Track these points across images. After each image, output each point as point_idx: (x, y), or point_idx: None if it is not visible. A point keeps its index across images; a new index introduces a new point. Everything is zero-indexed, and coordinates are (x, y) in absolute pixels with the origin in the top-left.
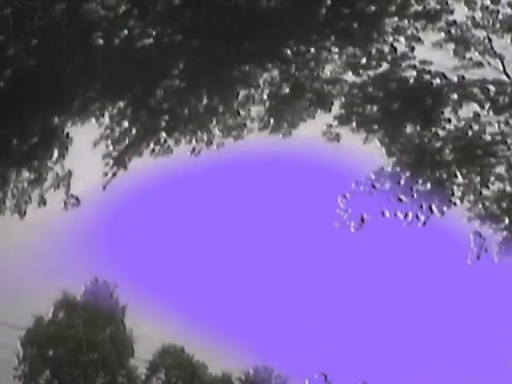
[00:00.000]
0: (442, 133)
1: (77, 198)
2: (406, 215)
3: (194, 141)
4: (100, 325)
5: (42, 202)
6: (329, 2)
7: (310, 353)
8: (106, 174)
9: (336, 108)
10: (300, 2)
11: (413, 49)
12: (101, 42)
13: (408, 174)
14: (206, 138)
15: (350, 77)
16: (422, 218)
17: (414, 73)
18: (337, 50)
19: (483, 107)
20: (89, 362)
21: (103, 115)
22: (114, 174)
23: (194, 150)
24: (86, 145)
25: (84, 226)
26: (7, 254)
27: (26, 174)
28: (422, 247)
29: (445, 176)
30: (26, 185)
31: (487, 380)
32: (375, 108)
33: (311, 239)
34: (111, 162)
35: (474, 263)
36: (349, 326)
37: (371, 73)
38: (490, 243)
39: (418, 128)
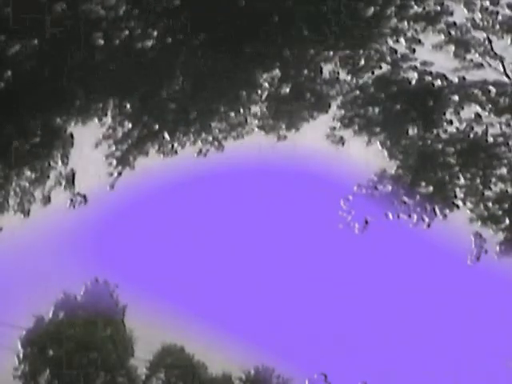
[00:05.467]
0: (443, 135)
1: (84, 196)
2: (409, 217)
3: (199, 142)
4: (100, 325)
5: (47, 201)
6: (329, 3)
7: (311, 353)
8: (111, 174)
9: (336, 109)
10: (300, 2)
11: (413, 50)
12: (101, 42)
13: (410, 176)
14: (210, 139)
15: (349, 78)
16: (426, 219)
17: (416, 74)
18: (336, 50)
19: (484, 108)
20: (89, 362)
21: (106, 115)
22: (120, 174)
23: (200, 151)
24: (88, 144)
25: (84, 226)
26: (8, 253)
27: (28, 173)
28: (425, 249)
29: (447, 178)
30: (28, 184)
31: (487, 380)
32: (377, 110)
33: (314, 240)
34: (115, 161)
35: (474, 264)
36: (350, 326)
37: (372, 74)
38: (490, 244)
39: (420, 130)
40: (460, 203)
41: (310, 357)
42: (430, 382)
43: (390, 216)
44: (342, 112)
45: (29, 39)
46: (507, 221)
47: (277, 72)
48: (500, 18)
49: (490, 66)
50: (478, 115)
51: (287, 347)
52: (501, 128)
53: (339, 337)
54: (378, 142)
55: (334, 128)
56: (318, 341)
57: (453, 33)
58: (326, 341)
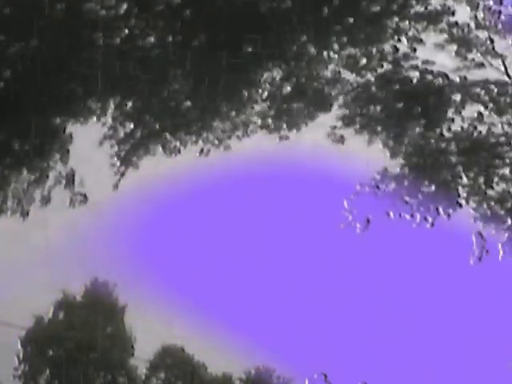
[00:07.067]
0: (446, 134)
1: (84, 196)
2: (412, 216)
3: (201, 141)
4: (100, 325)
5: (46, 201)
6: (329, 2)
7: (311, 353)
8: (113, 174)
9: (338, 109)
10: (301, 2)
11: (415, 50)
12: (101, 41)
13: (412, 175)
14: (212, 138)
15: (351, 77)
16: (430, 219)
17: (417, 73)
18: (338, 49)
19: (486, 108)
20: (89, 362)
21: (105, 114)
22: (122, 174)
23: (202, 150)
24: (89, 144)
25: (84, 225)
26: (7, 253)
27: (26, 174)
28: (427, 248)
29: (449, 177)
30: (26, 185)
31: (488, 380)
32: (378, 109)
33: (316, 240)
34: (117, 161)
35: (476, 264)
36: (350, 325)
37: (373, 73)
38: (492, 244)
39: (422, 129)
40: (463, 202)
41: (310, 357)
42: (430, 382)
43: (392, 215)
44: (344, 111)
45: (29, 39)
46: (510, 220)
47: (278, 71)
48: (502, 17)
49: (491, 65)
50: (479, 114)
51: (287, 347)
52: (503, 128)
53: (339, 337)
54: (380, 141)
55: (335, 127)
56: (318, 341)
57: (454, 32)
58: (326, 341)
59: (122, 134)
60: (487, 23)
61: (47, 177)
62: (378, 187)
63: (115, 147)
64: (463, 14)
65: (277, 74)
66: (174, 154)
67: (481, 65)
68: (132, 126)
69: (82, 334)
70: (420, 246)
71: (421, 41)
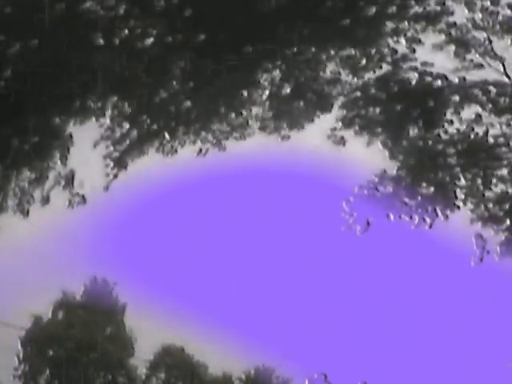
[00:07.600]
0: (444, 135)
1: (83, 197)
2: (410, 218)
3: (199, 142)
4: (100, 324)
5: (46, 201)
6: (329, 3)
7: (311, 353)
8: (107, 175)
9: (338, 110)
10: (301, 2)
11: (413, 50)
12: (101, 41)
13: (410, 177)
14: (210, 139)
15: (350, 78)
16: (428, 220)
17: (416, 74)
18: (337, 50)
19: (485, 109)
20: (89, 362)
21: (104, 115)
22: (115, 176)
23: (200, 150)
24: (88, 145)
25: (84, 225)
26: (7, 253)
27: (27, 173)
28: (427, 249)
29: (448, 179)
30: (27, 184)
31: (488, 380)
32: (378, 110)
33: (316, 242)
34: (112, 162)
35: (476, 265)
36: (351, 326)
37: (372, 74)
38: (491, 245)
39: (421, 130)
40: (461, 204)
41: (310, 357)
42: (430, 382)
43: (392, 217)
44: (343, 112)
45: (29, 39)
46: (508, 222)
47: (277, 72)
48: (500, 18)
49: (490, 66)
50: (478, 115)
51: (287, 347)
52: (501, 128)
53: (339, 336)
54: (379, 143)
55: (335, 128)
56: (318, 340)
57: (453, 33)
58: (326, 340)
59: (118, 135)
60: (485, 24)
61: (47, 177)
62: (376, 189)
63: (110, 147)
64: (462, 15)
65: (276, 74)
66: (171, 154)
67: (480, 66)
68: (128, 126)
69: (82, 334)
70: (418, 248)
71: (419, 41)
